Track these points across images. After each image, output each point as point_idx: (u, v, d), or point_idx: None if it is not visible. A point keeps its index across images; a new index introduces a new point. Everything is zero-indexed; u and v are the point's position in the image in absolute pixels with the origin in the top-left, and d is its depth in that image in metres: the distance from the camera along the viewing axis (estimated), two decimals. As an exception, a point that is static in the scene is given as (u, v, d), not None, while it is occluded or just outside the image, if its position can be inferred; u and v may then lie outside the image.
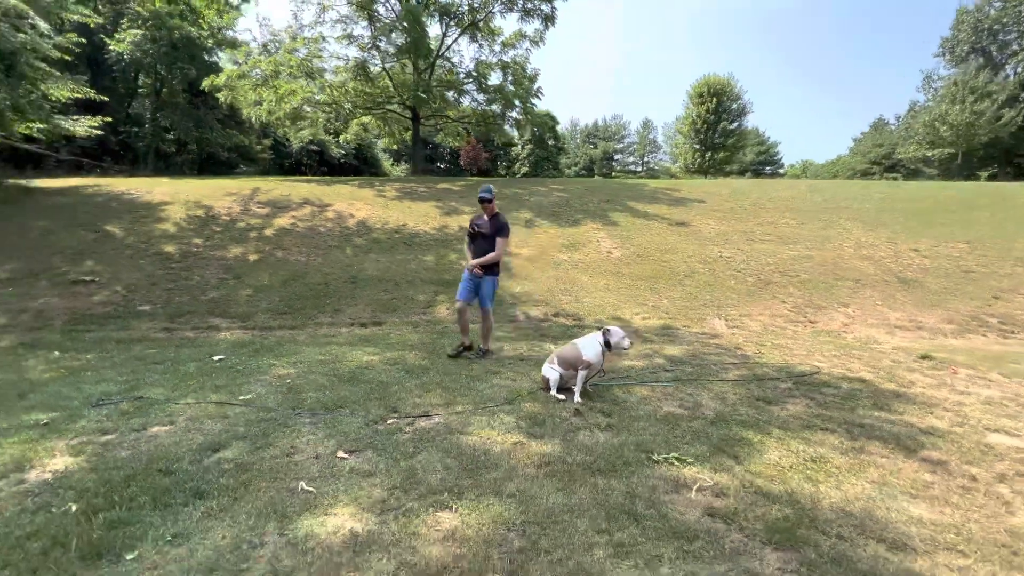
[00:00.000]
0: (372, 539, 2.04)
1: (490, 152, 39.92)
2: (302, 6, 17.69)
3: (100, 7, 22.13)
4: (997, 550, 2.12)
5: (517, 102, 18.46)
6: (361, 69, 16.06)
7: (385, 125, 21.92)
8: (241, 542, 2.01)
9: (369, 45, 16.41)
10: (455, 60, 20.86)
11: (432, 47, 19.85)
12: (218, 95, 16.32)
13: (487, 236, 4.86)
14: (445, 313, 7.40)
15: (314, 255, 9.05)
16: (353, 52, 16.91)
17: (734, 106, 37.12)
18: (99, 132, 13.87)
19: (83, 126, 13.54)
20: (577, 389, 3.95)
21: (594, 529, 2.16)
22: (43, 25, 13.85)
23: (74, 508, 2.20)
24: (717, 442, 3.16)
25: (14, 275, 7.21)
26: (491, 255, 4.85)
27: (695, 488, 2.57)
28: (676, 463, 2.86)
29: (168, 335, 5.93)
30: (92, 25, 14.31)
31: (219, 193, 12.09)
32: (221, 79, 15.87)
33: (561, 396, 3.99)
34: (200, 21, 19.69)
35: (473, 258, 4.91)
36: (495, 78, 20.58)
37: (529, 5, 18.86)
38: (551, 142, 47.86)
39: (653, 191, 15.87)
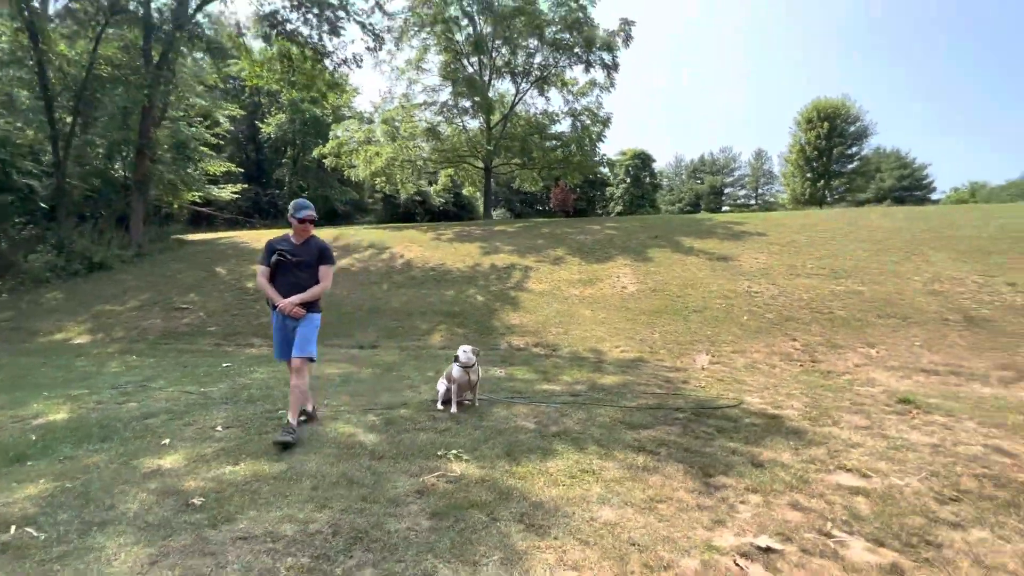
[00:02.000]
0: (166, 472, 2.94)
1: (579, 194, 40.93)
2: (396, 82, 21.09)
3: (261, 100, 28.51)
4: (620, 548, 2.28)
5: (574, 147, 19.36)
6: (431, 132, 18.49)
7: (466, 176, 24.34)
8: (100, 464, 3.06)
9: (439, 110, 18.85)
10: (530, 112, 22.62)
11: (507, 102, 21.93)
12: (325, 161, 19.98)
13: (304, 264, 3.75)
14: (438, 339, 8.28)
15: (355, 290, 10.69)
16: (429, 115, 19.56)
17: (851, 129, 33.42)
18: (237, 195, 17.93)
19: (227, 192, 17.67)
20: (452, 400, 4.50)
21: (311, 488, 2.80)
22: (222, 119, 18.58)
23: (33, 437, 3.48)
24: (516, 449, 3.49)
25: (143, 303, 9.94)
26: (318, 287, 3.76)
27: (436, 475, 3.03)
28: (452, 459, 3.31)
29: (215, 348, 7.73)
30: (238, 117, 18.76)
31: (308, 240, 14.74)
32: (327, 148, 19.47)
33: (441, 407, 4.56)
34: (323, 103, 24.34)
35: (284, 294, 3.67)
36: (565, 125, 21.87)
37: (591, 57, 19.99)
38: (647, 180, 47.45)
39: (712, 225, 15.30)
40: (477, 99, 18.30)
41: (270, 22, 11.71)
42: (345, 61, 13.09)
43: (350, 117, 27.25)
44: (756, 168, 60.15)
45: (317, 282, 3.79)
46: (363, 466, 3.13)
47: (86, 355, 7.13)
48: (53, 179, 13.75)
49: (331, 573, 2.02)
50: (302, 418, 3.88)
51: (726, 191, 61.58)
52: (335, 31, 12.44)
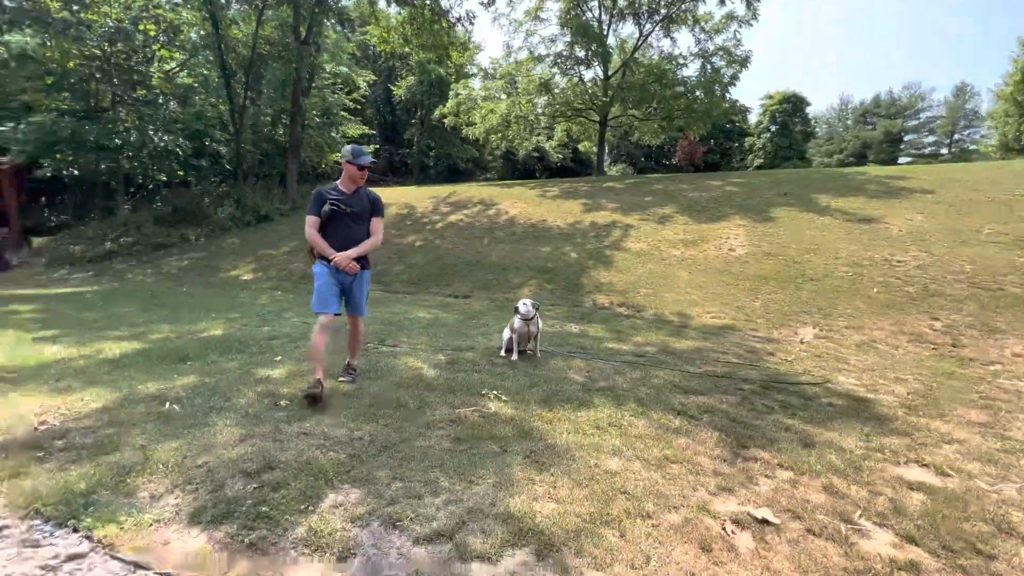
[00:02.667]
0: (271, 380, 3.76)
1: (710, 146, 37.15)
2: (514, 35, 20.96)
3: (394, 64, 30.58)
4: (608, 494, 2.39)
5: (700, 93, 17.52)
6: (544, 86, 18.19)
7: (582, 130, 23.66)
8: (231, 369, 4.02)
9: (553, 61, 18.37)
10: (652, 58, 20.86)
11: (627, 48, 20.56)
12: (445, 120, 21.02)
13: (356, 215, 3.56)
14: (527, 293, 8.63)
15: (460, 243, 11.47)
16: (543, 68, 19.20)
17: (1111, 47, 24.60)
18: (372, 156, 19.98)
19: (361, 153, 19.74)
20: (514, 348, 4.82)
21: (368, 406, 3.35)
22: (363, 84, 20.60)
23: (196, 346, 4.64)
24: (555, 398, 3.69)
25: (292, 249, 11.93)
26: (371, 241, 3.61)
27: (471, 409, 3.40)
28: (493, 398, 3.64)
29: (339, 290, 9.10)
30: (370, 82, 20.47)
31: (425, 196, 15.98)
32: (447, 107, 20.40)
33: (503, 355, 4.91)
34: (447, 62, 25.28)
35: (337, 247, 3.48)
36: (692, 69, 19.86)
37: (727, -15, 17.56)
38: (797, 127, 41.06)
39: (864, 180, 13.02)
40: (593, 47, 17.43)
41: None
42: (459, 19, 13.44)
43: (473, 75, 27.99)
44: (954, 107, 48.15)
45: (369, 235, 3.62)
46: (415, 395, 3.63)
47: (247, 289, 8.95)
48: (233, 145, 16.76)
49: (358, 468, 2.51)
50: (319, 375, 3.40)
51: (907, 138, 50.63)
52: (448, -11, 12.78)
